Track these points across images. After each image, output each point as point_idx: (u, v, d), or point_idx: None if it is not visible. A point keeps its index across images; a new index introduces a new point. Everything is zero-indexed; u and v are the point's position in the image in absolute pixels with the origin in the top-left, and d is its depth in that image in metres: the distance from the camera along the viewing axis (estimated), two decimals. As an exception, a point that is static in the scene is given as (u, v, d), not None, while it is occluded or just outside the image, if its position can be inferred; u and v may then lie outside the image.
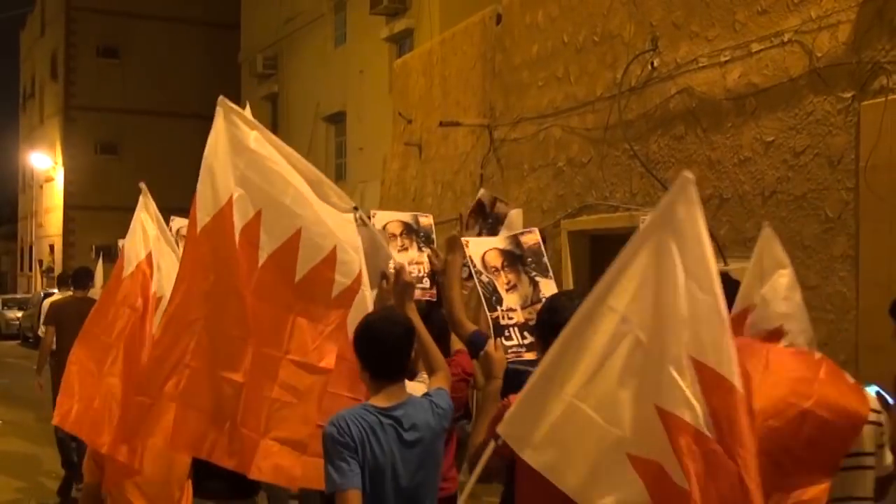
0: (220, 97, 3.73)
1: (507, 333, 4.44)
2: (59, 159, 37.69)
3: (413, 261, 5.49)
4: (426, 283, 5.46)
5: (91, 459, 4.62)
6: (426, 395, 3.51)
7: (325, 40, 23.33)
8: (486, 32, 10.85)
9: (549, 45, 9.43)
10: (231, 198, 3.53)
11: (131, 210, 4.89)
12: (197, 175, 3.89)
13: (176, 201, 8.81)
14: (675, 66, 7.45)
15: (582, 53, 8.85)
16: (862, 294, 5.63)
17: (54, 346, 9.16)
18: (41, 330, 12.46)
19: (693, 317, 2.35)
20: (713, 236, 7.03)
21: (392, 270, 3.89)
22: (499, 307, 4.89)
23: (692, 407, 2.30)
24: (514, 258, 5.30)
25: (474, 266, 5.03)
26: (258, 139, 3.63)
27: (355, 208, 3.84)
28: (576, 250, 8.77)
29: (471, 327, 4.62)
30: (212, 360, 3.56)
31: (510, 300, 4.98)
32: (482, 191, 8.08)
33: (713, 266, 2.39)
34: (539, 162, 9.50)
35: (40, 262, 40.63)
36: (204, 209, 3.56)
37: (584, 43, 8.81)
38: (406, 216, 5.89)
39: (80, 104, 37.10)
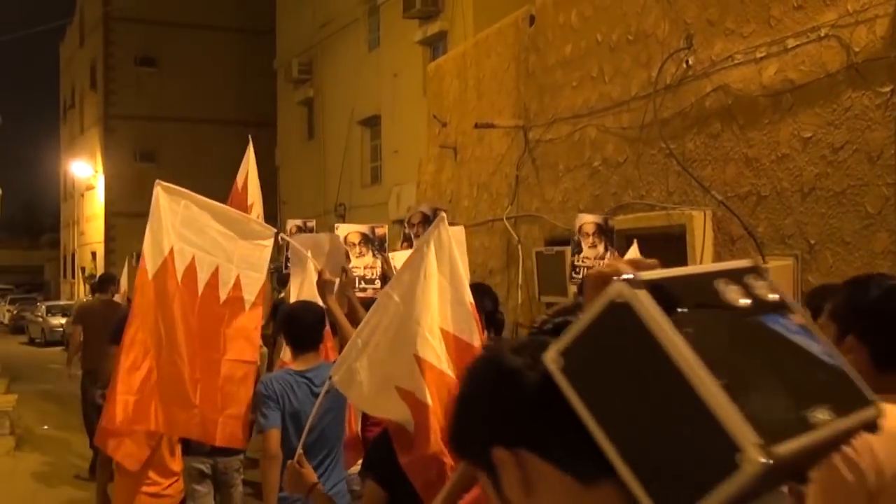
0: (157, 181, 4.76)
1: None
2: (100, 168, 38.25)
3: (368, 265, 6.56)
4: (377, 284, 6.44)
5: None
6: (335, 361, 4.51)
7: (359, 44, 23.45)
8: (519, 34, 10.85)
9: (583, 44, 9.41)
10: (172, 249, 4.66)
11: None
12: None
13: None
14: (710, 63, 7.40)
15: (616, 52, 8.83)
16: (904, 290, 5.57)
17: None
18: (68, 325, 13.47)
19: (442, 301, 3.63)
20: (751, 234, 7.00)
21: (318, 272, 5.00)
22: None
23: (438, 356, 3.56)
24: None
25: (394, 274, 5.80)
26: (187, 204, 4.77)
27: (277, 232, 5.08)
28: (612, 250, 8.74)
29: None
30: (173, 368, 4.62)
31: None
32: (423, 205, 8.95)
33: (460, 270, 3.72)
34: (575, 162, 9.48)
35: (83, 269, 41.24)
36: (151, 260, 4.64)
37: (618, 42, 8.79)
38: (364, 228, 6.93)
39: (119, 113, 37.62)
